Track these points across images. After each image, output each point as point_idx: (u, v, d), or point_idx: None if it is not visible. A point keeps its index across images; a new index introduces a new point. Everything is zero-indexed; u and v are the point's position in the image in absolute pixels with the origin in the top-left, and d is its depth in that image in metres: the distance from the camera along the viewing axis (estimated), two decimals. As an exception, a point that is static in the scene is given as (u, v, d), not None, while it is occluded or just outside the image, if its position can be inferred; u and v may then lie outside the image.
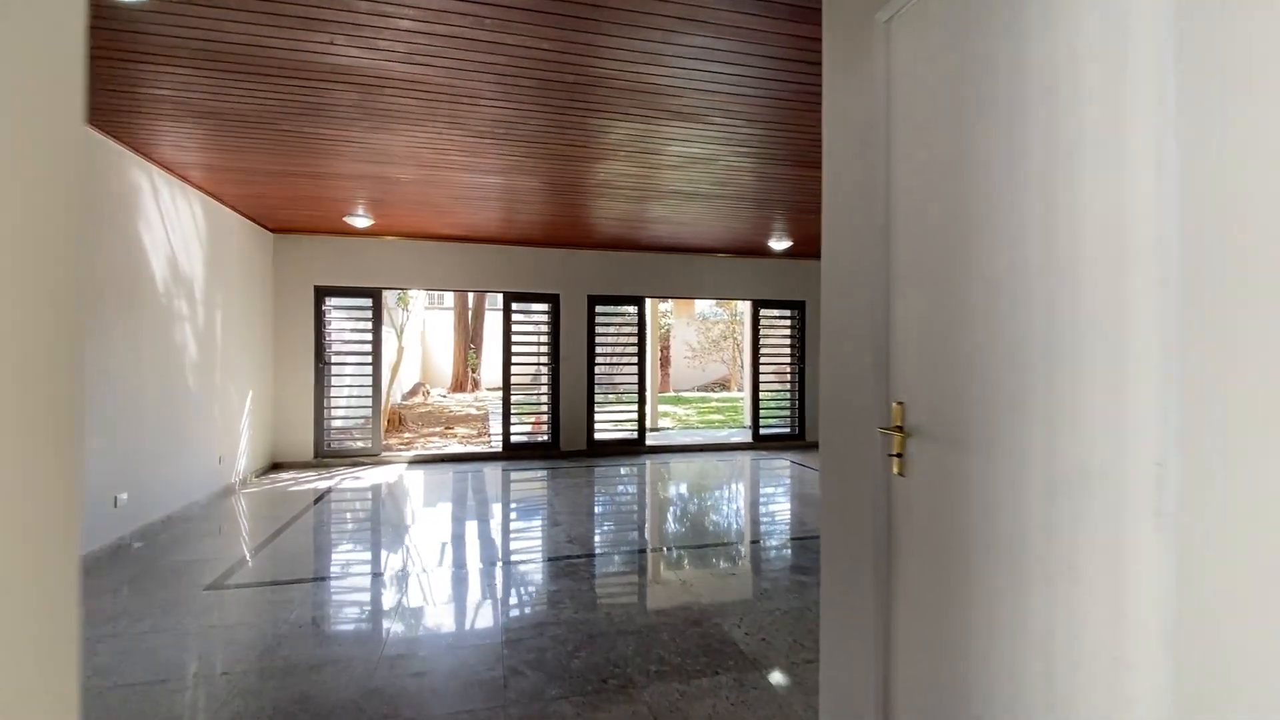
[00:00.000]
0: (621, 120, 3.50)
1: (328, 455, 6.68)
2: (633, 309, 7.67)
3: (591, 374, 7.42)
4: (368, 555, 4.01)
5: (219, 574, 3.50)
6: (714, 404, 16.42)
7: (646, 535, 4.50)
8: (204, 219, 5.06)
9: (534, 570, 3.66)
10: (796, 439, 8.14)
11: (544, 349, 7.37)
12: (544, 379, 7.46)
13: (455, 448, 8.10)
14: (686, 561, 3.88)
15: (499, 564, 3.79)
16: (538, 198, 5.15)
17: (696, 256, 7.76)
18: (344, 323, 7.00)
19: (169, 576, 3.44)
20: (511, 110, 3.34)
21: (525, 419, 7.78)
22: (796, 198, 5.11)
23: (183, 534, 4.25)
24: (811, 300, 8.15)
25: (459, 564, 3.77)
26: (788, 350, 8.26)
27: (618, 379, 7.78)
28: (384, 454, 6.95)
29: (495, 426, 10.58)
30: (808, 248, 7.31)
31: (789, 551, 4.09)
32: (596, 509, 5.15)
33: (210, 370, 5.17)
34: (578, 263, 7.37)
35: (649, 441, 7.76)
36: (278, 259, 6.51)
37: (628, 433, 7.67)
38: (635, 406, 7.66)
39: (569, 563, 3.75)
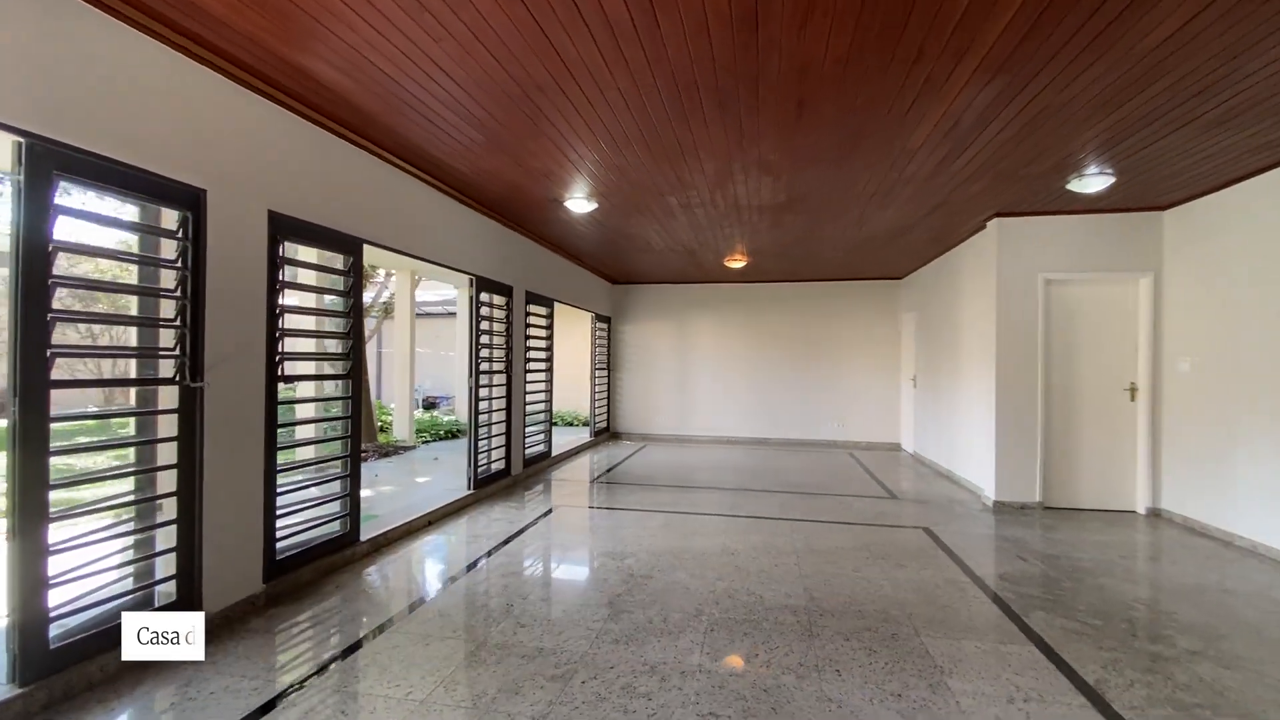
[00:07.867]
0: None
1: None
2: (342, 260, 3.62)
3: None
4: None
5: None
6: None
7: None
8: None
9: None
10: (501, 476, 5.77)
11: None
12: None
13: None
14: None
15: None
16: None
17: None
18: None
19: None
20: None
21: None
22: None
23: None
24: (517, 286, 6.01)
25: None
26: (503, 352, 5.77)
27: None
28: None
29: None
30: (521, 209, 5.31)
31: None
32: None
33: None
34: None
35: (365, 530, 3.78)
36: None
37: (331, 523, 3.52)
38: (343, 457, 3.61)
39: None
